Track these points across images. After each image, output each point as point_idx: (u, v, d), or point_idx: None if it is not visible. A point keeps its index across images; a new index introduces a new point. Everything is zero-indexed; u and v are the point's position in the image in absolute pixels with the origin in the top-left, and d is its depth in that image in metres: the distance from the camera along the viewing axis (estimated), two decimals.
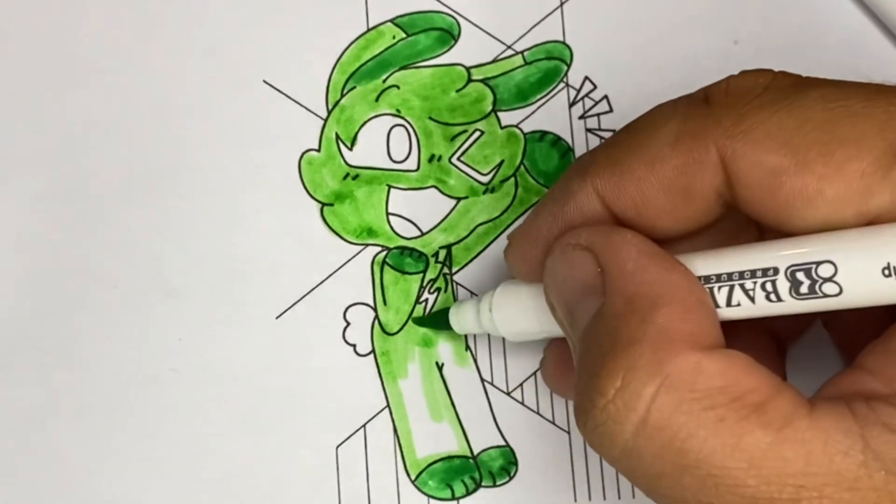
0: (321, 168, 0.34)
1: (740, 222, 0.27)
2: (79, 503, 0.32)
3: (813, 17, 0.35)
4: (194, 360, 0.33)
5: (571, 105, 0.34)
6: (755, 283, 0.24)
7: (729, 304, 0.24)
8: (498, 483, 0.32)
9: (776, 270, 0.24)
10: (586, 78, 0.34)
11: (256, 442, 0.33)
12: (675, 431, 0.22)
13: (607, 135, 0.34)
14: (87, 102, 0.35)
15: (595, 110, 0.34)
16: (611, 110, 0.34)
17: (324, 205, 0.34)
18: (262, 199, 0.34)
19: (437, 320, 0.32)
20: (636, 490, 0.32)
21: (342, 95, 0.34)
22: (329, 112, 0.34)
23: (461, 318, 0.31)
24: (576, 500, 0.32)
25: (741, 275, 0.24)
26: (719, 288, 0.24)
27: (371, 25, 0.35)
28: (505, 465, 0.32)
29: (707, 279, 0.25)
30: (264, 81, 0.35)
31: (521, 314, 0.29)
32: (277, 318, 0.33)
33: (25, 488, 0.32)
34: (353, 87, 0.34)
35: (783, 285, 0.24)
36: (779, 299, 0.24)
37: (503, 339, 0.33)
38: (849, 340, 0.30)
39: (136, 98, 0.35)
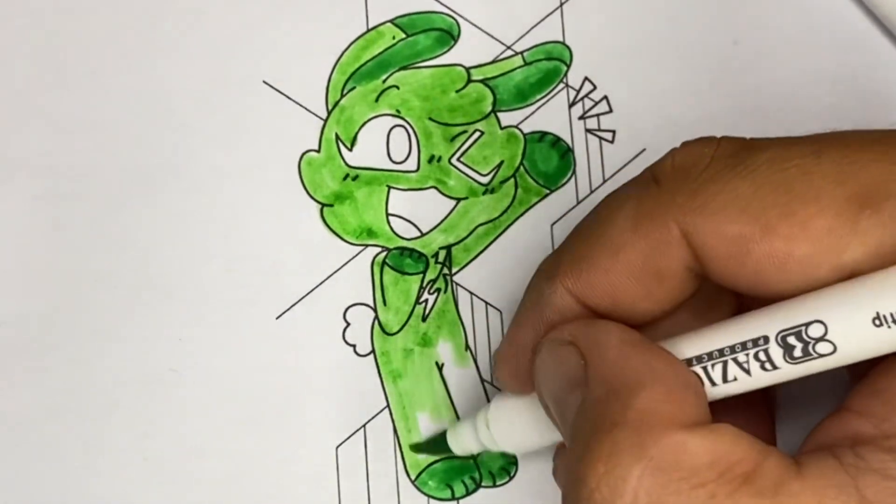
0: (321, 168, 0.34)
1: (717, 293, 0.27)
2: (78, 503, 0.32)
3: (813, 17, 0.35)
4: (194, 360, 0.33)
5: (571, 105, 0.34)
6: (748, 354, 0.24)
7: (725, 380, 0.24)
8: (498, 483, 0.32)
9: (766, 339, 0.23)
10: (586, 78, 0.34)
11: (256, 442, 0.33)
12: None
13: (607, 135, 0.34)
14: (87, 102, 0.35)
15: (595, 111, 0.34)
16: (610, 110, 0.34)
17: (324, 205, 0.34)
18: (261, 199, 0.34)
19: (436, 445, 0.32)
20: None
21: (342, 96, 0.34)
22: (329, 112, 0.34)
23: (460, 440, 0.31)
24: None
25: (732, 349, 0.24)
26: (713, 366, 0.24)
27: (371, 26, 0.35)
28: (505, 465, 0.32)
29: (699, 359, 0.24)
30: (264, 82, 0.35)
31: (520, 427, 0.29)
32: (277, 318, 0.33)
33: (25, 488, 0.33)
34: (353, 88, 0.34)
35: (776, 352, 0.23)
36: (774, 367, 0.24)
37: (503, 337, 0.33)
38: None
39: (135, 98, 0.35)
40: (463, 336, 0.33)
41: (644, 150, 0.34)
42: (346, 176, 0.34)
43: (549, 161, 0.34)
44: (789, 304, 0.23)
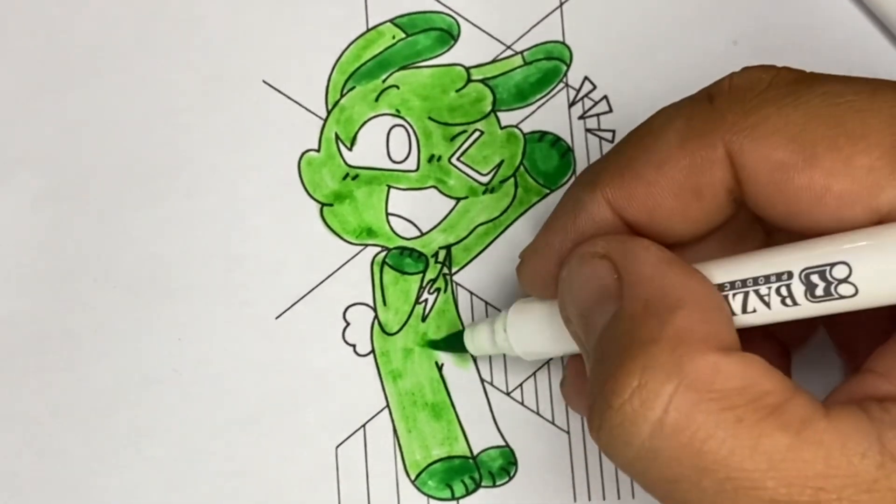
0: (321, 168, 0.34)
1: (747, 226, 0.27)
2: (79, 503, 0.32)
3: (813, 17, 0.35)
4: (194, 360, 0.33)
5: (571, 105, 0.34)
6: (770, 288, 0.24)
7: (745, 310, 0.24)
8: (498, 483, 0.32)
9: (790, 274, 0.23)
10: (586, 78, 0.34)
11: (256, 442, 0.33)
12: (693, 432, 0.22)
13: (607, 135, 0.34)
14: (87, 102, 0.35)
15: (595, 110, 0.34)
16: (610, 110, 0.34)
17: (323, 205, 0.34)
18: (262, 199, 0.34)
19: (452, 342, 0.32)
20: (636, 490, 0.32)
21: (342, 95, 0.34)
22: (329, 112, 0.34)
23: (476, 340, 0.31)
24: (576, 500, 0.32)
25: (755, 280, 0.24)
26: (734, 295, 0.24)
27: (371, 25, 0.35)
28: (505, 465, 0.32)
29: (721, 287, 0.24)
30: (264, 81, 0.35)
31: (536, 332, 0.29)
32: (277, 318, 0.33)
33: (26, 488, 0.32)
34: (353, 88, 0.34)
35: (798, 289, 0.23)
36: (794, 303, 0.24)
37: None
38: (851, 346, 0.30)
39: (135, 98, 0.35)
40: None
41: None
42: (346, 175, 0.34)
43: (549, 161, 0.34)
44: (816, 242, 0.23)
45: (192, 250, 0.34)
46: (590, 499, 0.32)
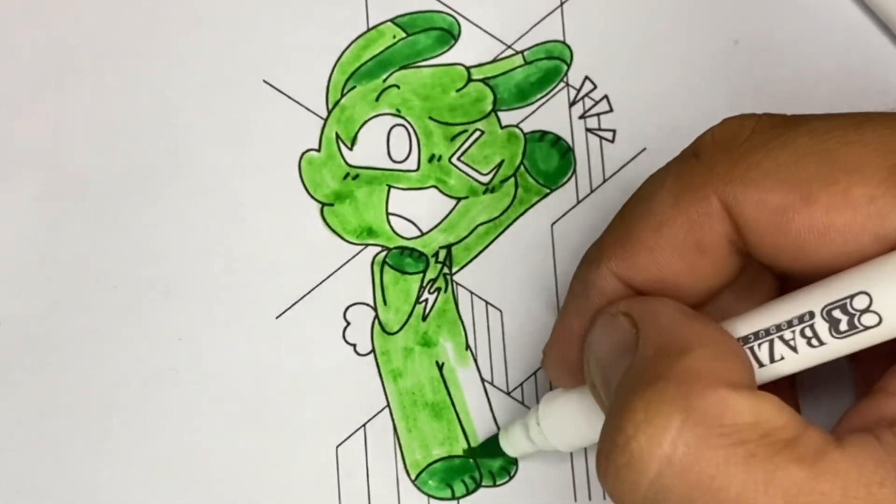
0: (321, 168, 0.34)
1: (758, 276, 0.27)
2: (78, 503, 0.32)
3: (813, 17, 0.35)
4: (194, 360, 0.33)
5: (571, 105, 0.34)
6: (794, 331, 0.23)
7: (773, 359, 0.24)
8: (498, 483, 0.32)
9: (812, 314, 0.23)
10: (586, 78, 0.34)
11: (256, 442, 0.33)
12: (703, 468, 0.21)
13: (607, 134, 0.34)
14: (87, 102, 0.35)
15: (595, 110, 0.34)
16: (611, 110, 0.34)
17: (324, 205, 0.34)
18: (262, 199, 0.34)
19: (489, 448, 0.32)
20: None
21: (342, 95, 0.34)
22: (329, 112, 0.34)
23: (511, 441, 0.31)
24: (576, 500, 0.32)
25: (778, 327, 0.24)
26: (759, 345, 0.24)
27: (371, 25, 0.35)
28: (505, 465, 0.32)
29: (745, 339, 0.24)
30: (264, 81, 0.35)
31: (571, 422, 0.29)
32: (277, 318, 0.33)
33: (25, 488, 0.32)
34: (354, 87, 0.34)
35: (822, 327, 0.23)
36: (820, 343, 0.23)
37: (504, 345, 0.33)
38: (864, 364, 0.30)
39: (135, 98, 0.35)
40: (463, 335, 0.33)
41: (644, 149, 0.34)
42: (347, 175, 0.34)
43: (549, 160, 0.34)
44: (832, 279, 0.23)
45: (192, 250, 0.34)
46: (590, 499, 0.32)
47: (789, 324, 0.24)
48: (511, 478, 0.32)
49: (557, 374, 0.29)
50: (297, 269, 0.33)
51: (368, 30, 0.35)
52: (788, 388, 0.28)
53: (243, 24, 0.35)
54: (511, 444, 0.31)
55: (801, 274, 0.24)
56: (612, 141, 0.34)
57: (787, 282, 0.27)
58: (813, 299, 0.23)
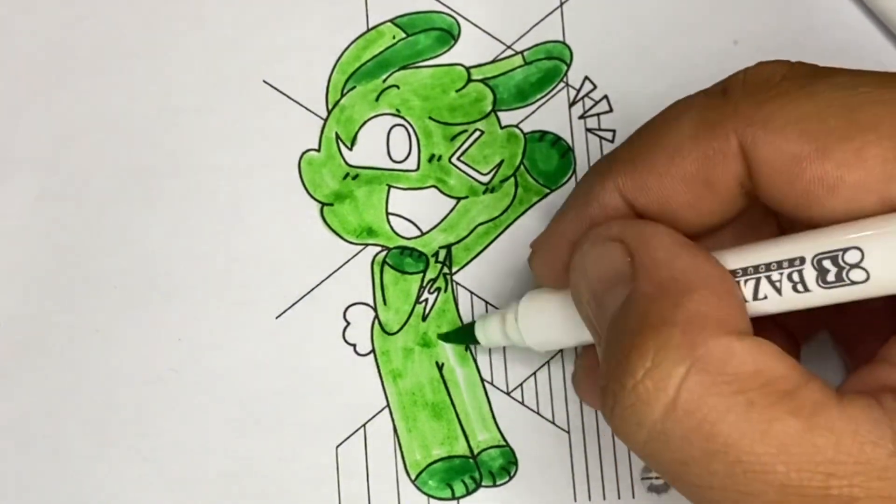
0: (321, 168, 0.34)
1: (760, 218, 0.27)
2: (79, 503, 0.32)
3: (813, 17, 0.35)
4: (194, 360, 0.33)
5: (571, 105, 0.34)
6: (781, 273, 0.24)
7: (756, 297, 0.24)
8: (498, 483, 0.32)
9: (802, 260, 0.23)
10: (586, 78, 0.34)
11: (256, 442, 0.33)
12: (704, 414, 0.22)
13: (607, 134, 0.34)
14: (87, 102, 0.35)
15: (595, 110, 0.34)
16: (611, 110, 0.34)
17: (324, 205, 0.34)
18: (262, 198, 0.34)
19: (463, 334, 0.32)
20: (636, 490, 0.32)
21: (342, 95, 0.34)
22: (329, 112, 0.34)
23: (487, 331, 0.31)
24: (576, 500, 0.32)
25: (767, 266, 0.24)
26: (745, 281, 0.24)
27: (371, 25, 0.35)
28: (505, 464, 0.32)
29: (733, 273, 0.24)
30: (264, 81, 0.35)
31: (548, 323, 0.29)
32: (277, 318, 0.33)
33: (25, 488, 0.32)
34: (353, 87, 0.34)
35: (810, 274, 0.23)
36: (806, 289, 0.24)
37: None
38: (854, 345, 0.30)
39: (135, 98, 0.35)
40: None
41: None
42: (347, 175, 0.34)
43: (549, 160, 0.34)
44: (829, 229, 0.24)
45: (192, 250, 0.34)
46: (590, 498, 0.32)
47: (779, 265, 0.24)
48: (511, 478, 0.32)
49: (542, 274, 0.29)
50: (297, 269, 0.33)
51: (368, 30, 0.35)
52: (790, 339, 0.29)
53: (243, 24, 0.35)
54: (485, 335, 0.31)
55: (804, 223, 0.24)
56: (612, 141, 0.34)
57: (788, 229, 0.27)
58: (806, 245, 0.24)
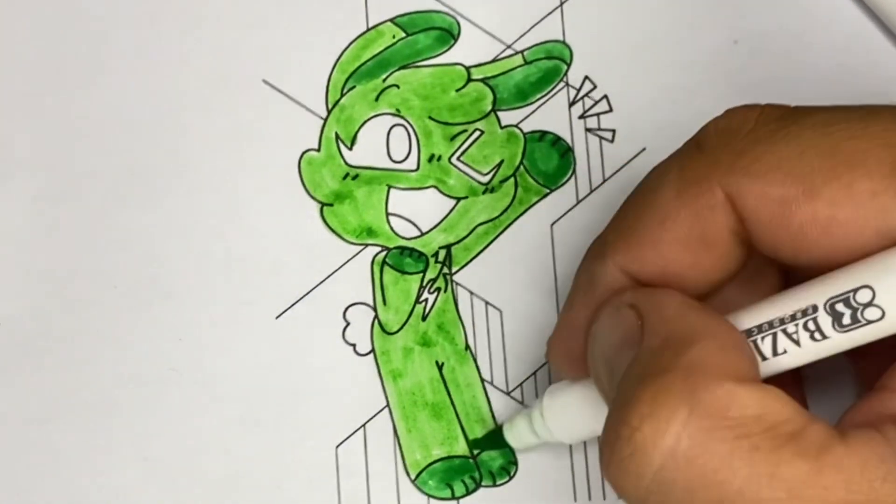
0: (321, 168, 0.34)
1: (762, 269, 0.27)
2: (78, 503, 0.32)
3: (813, 17, 0.35)
4: (194, 360, 0.33)
5: (571, 105, 0.34)
6: (797, 325, 0.24)
7: (776, 353, 0.24)
8: (498, 483, 0.32)
9: (815, 308, 0.23)
10: (586, 77, 0.34)
11: (256, 442, 0.33)
12: (707, 461, 0.21)
13: (607, 134, 0.34)
14: (87, 102, 0.35)
15: (595, 110, 0.34)
16: (611, 110, 0.34)
17: (324, 205, 0.34)
18: (262, 199, 0.34)
19: (494, 441, 0.32)
20: None
21: (342, 95, 0.34)
22: (329, 112, 0.34)
23: (516, 434, 0.31)
24: (576, 500, 0.32)
25: (781, 321, 0.24)
26: (762, 339, 0.24)
27: (371, 25, 0.35)
28: (505, 464, 0.32)
29: (749, 332, 0.24)
30: (264, 81, 0.35)
31: (575, 416, 0.29)
32: (277, 318, 0.33)
33: (25, 488, 0.32)
34: (353, 87, 0.34)
35: (825, 321, 0.23)
36: (823, 336, 0.23)
37: (504, 345, 0.33)
38: (865, 362, 0.30)
39: (135, 98, 0.35)
40: (463, 335, 0.33)
41: (644, 149, 0.34)
42: (346, 175, 0.34)
43: (549, 160, 0.34)
44: (836, 273, 0.23)
45: (192, 250, 0.34)
46: (590, 499, 0.32)
47: (793, 317, 0.24)
48: (511, 478, 0.32)
49: (561, 367, 0.29)
50: (297, 269, 0.33)
51: (368, 30, 0.35)
52: (795, 383, 0.28)
53: (243, 24, 0.35)
54: (515, 437, 0.31)
55: (805, 267, 0.24)
56: (612, 141, 0.34)
57: (791, 276, 0.27)
58: (816, 293, 0.23)
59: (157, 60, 0.35)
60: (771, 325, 0.24)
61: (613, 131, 0.34)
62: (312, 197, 0.34)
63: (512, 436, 0.31)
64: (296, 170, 0.34)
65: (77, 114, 0.34)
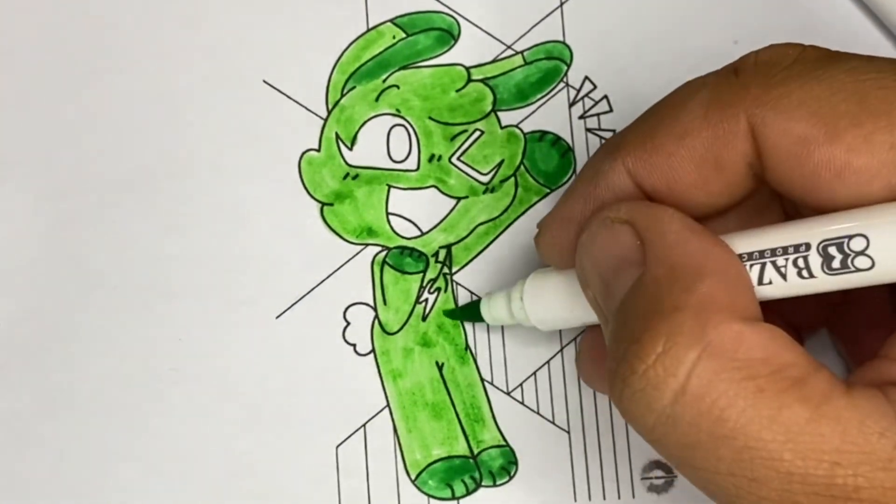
0: (321, 168, 0.34)
1: (766, 202, 0.27)
2: (79, 503, 0.32)
3: (813, 17, 0.35)
4: (194, 360, 0.33)
5: (571, 105, 0.34)
6: (787, 259, 0.24)
7: (761, 282, 0.24)
8: (498, 483, 0.32)
9: (808, 246, 0.24)
10: (586, 78, 0.34)
11: (256, 441, 0.33)
12: (713, 399, 0.22)
13: (607, 134, 0.34)
14: (87, 102, 0.35)
15: (595, 110, 0.34)
16: (611, 110, 0.34)
17: (324, 204, 0.34)
18: (262, 199, 0.34)
19: (469, 311, 0.32)
20: (636, 490, 0.32)
21: (342, 95, 0.34)
22: (329, 112, 0.34)
23: (492, 309, 0.31)
24: (576, 500, 0.32)
25: (773, 252, 0.24)
26: (751, 266, 0.24)
27: (371, 25, 0.35)
28: (505, 464, 0.32)
29: (739, 257, 0.24)
30: (264, 81, 0.35)
31: (553, 302, 0.29)
32: (277, 317, 0.33)
33: (25, 488, 0.32)
34: (353, 87, 0.34)
35: (815, 261, 0.23)
36: (811, 275, 0.24)
37: (504, 345, 0.33)
38: (855, 343, 0.30)
39: (136, 98, 0.35)
40: (463, 335, 0.33)
41: None
42: (347, 175, 0.34)
43: (549, 160, 0.34)
44: (834, 216, 0.24)
45: (192, 250, 0.34)
46: (590, 498, 0.32)
47: (784, 250, 0.24)
48: (511, 478, 0.32)
49: (547, 254, 0.29)
50: (297, 269, 0.34)
51: (368, 30, 0.35)
52: (793, 334, 0.29)
53: (243, 24, 0.35)
54: (491, 313, 0.31)
55: (811, 207, 0.24)
56: None
57: (794, 214, 0.27)
58: (811, 231, 0.24)
59: (157, 60, 0.35)
60: (762, 254, 0.24)
61: (613, 131, 0.34)
62: (313, 197, 0.34)
63: (488, 311, 0.31)
64: (296, 170, 0.34)
65: (77, 114, 0.34)
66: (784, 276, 0.24)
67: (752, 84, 0.25)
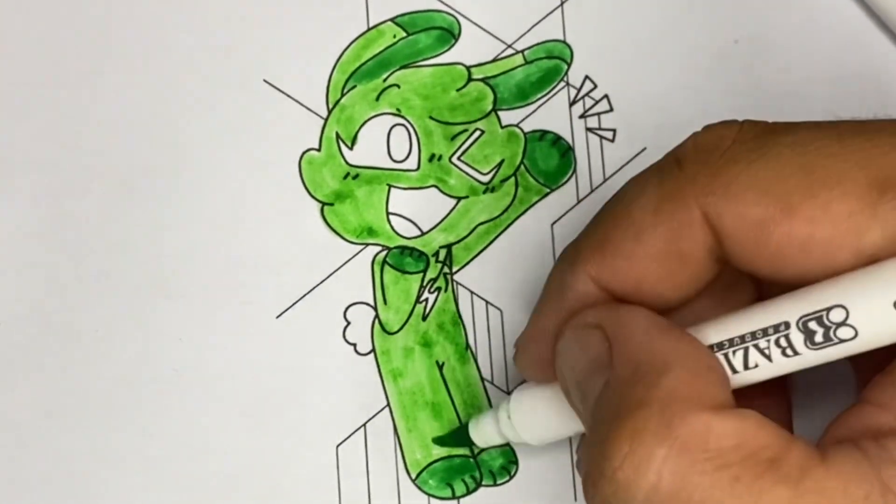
0: (321, 167, 0.34)
1: (736, 280, 0.27)
2: (79, 503, 0.32)
3: (813, 17, 0.35)
4: (194, 360, 0.33)
5: (572, 104, 0.34)
6: (769, 340, 0.24)
7: (747, 366, 0.24)
8: (498, 482, 0.32)
9: (787, 325, 0.23)
10: (587, 77, 0.34)
11: (256, 441, 0.32)
12: (689, 494, 0.22)
13: (607, 134, 0.34)
14: (87, 102, 0.35)
15: (595, 109, 0.34)
16: (611, 109, 0.34)
17: (324, 204, 0.34)
18: (262, 198, 0.34)
19: (459, 437, 0.32)
20: None
21: (342, 95, 0.34)
22: (329, 111, 0.34)
23: (481, 432, 0.31)
24: (576, 500, 0.32)
25: (753, 335, 0.24)
26: (734, 352, 0.24)
27: (371, 24, 0.35)
28: (505, 464, 0.32)
29: (720, 346, 0.24)
30: (264, 81, 0.35)
31: (541, 418, 0.29)
32: (278, 317, 0.33)
33: (25, 488, 0.32)
34: (354, 87, 0.34)
35: (797, 338, 0.23)
36: (795, 353, 0.23)
37: (504, 345, 0.33)
38: (862, 364, 0.30)
39: (135, 98, 0.35)
40: (463, 335, 0.33)
41: (644, 149, 0.34)
42: (347, 175, 0.34)
43: (549, 160, 0.34)
44: (810, 290, 0.23)
45: (192, 250, 0.34)
46: None
47: (764, 332, 0.24)
48: (511, 477, 0.32)
49: (528, 371, 0.29)
50: (297, 268, 0.33)
51: (368, 29, 0.35)
52: (779, 389, 0.28)
53: (243, 24, 0.35)
54: (480, 436, 0.31)
55: (781, 283, 0.24)
56: (613, 140, 0.34)
57: (765, 287, 0.27)
58: (789, 309, 0.23)
59: (157, 60, 0.35)
60: (743, 339, 0.24)
61: (614, 131, 0.34)
62: (313, 196, 0.34)
63: (477, 434, 0.31)
64: (296, 169, 0.34)
65: (78, 113, 0.34)
66: (769, 358, 0.24)
67: (698, 174, 0.24)
